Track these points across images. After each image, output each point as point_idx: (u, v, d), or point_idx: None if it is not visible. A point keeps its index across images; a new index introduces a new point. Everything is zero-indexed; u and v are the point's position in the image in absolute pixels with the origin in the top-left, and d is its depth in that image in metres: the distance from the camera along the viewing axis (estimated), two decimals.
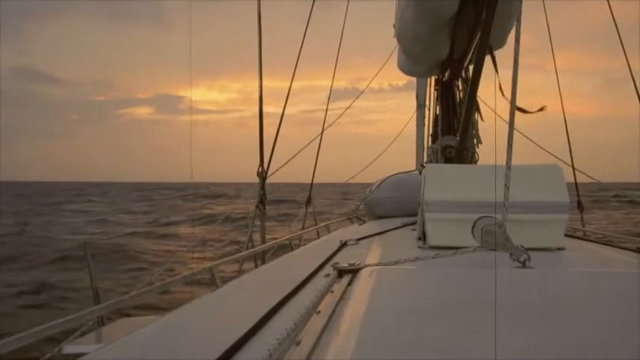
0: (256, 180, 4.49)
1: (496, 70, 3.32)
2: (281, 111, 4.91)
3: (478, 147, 4.19)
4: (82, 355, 1.30)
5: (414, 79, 7.23)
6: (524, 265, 1.65)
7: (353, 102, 7.07)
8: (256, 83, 4.47)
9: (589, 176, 5.37)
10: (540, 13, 5.48)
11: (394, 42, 5.02)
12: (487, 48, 2.87)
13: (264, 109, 4.53)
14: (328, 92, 6.19)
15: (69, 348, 1.98)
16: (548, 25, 5.66)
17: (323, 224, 5.11)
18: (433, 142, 4.71)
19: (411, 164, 6.90)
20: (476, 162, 4.09)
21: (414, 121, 7.55)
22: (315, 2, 5.16)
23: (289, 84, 5.15)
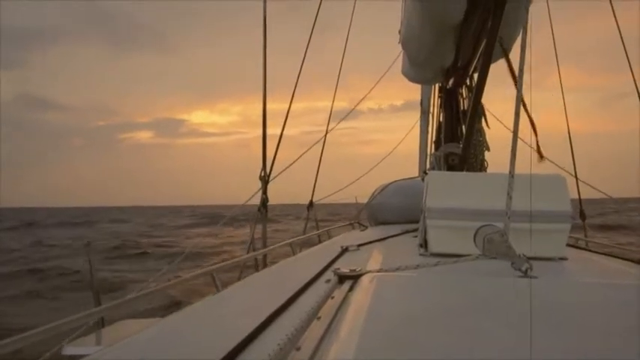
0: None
1: (512, 73, 2.95)
2: (287, 132, 4.97)
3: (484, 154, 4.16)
4: (81, 356, 1.30)
5: (415, 100, 7.36)
6: (525, 274, 1.64)
7: (358, 104, 7.20)
8: (257, 105, 4.54)
9: (603, 192, 5.39)
10: (546, 27, 5.50)
11: (398, 48, 5.04)
12: (492, 56, 2.86)
13: (271, 130, 4.56)
14: (329, 114, 6.30)
15: (69, 349, 1.97)
16: (553, 35, 5.68)
17: (324, 229, 5.10)
18: (436, 149, 4.71)
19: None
20: (485, 170, 4.07)
21: (408, 138, 7.68)
22: (323, 25, 5.25)
23: (294, 86, 5.21)
